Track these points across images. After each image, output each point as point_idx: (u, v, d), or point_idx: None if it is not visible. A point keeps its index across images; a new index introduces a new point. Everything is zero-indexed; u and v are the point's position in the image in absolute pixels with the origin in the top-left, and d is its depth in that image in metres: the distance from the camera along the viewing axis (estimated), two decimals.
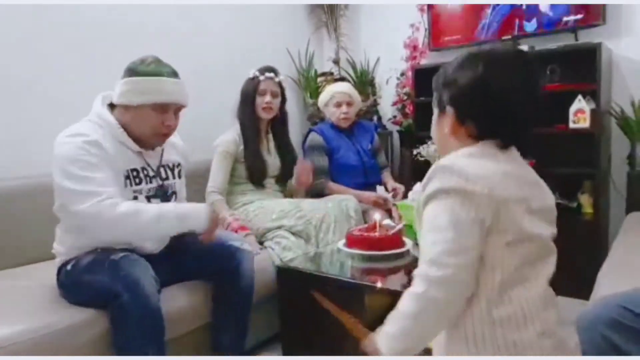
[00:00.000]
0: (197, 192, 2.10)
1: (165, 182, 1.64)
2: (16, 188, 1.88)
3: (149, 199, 1.57)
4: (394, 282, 1.66)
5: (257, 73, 2.28)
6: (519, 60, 0.93)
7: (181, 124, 1.63)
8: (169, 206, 1.54)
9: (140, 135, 1.54)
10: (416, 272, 0.86)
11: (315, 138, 2.61)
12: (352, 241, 1.84)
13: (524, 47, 2.61)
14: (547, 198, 0.95)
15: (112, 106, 1.56)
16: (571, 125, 2.44)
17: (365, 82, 3.29)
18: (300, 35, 3.36)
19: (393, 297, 1.59)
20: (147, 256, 1.51)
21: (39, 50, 2.08)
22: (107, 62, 2.26)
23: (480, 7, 2.80)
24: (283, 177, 2.41)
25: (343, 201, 2.28)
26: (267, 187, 2.35)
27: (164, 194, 1.62)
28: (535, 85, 0.93)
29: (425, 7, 3.05)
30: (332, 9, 3.40)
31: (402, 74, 3.20)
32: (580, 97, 2.41)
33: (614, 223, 2.60)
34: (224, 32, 2.87)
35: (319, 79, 3.31)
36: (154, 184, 1.60)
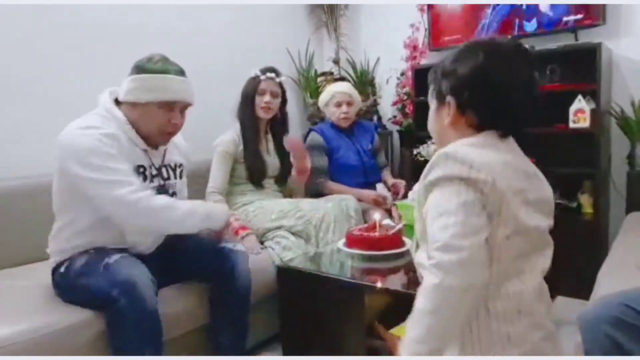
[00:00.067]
0: (197, 192, 2.10)
1: (167, 182, 1.64)
2: (16, 188, 1.88)
3: None
4: (393, 281, 1.66)
5: (259, 73, 2.28)
6: (518, 50, 0.94)
7: None
8: (198, 203, 1.61)
9: (146, 132, 1.54)
10: (427, 264, 0.83)
11: (315, 138, 2.61)
12: (352, 241, 1.84)
13: None
14: (544, 190, 0.95)
15: (117, 103, 1.56)
16: (571, 125, 2.44)
17: (365, 82, 3.29)
18: (300, 35, 3.36)
19: (393, 297, 1.60)
20: (139, 256, 1.51)
21: (39, 50, 2.08)
22: (107, 62, 2.26)
23: (480, 7, 2.80)
24: (282, 178, 2.41)
25: (343, 201, 2.28)
26: (267, 187, 2.34)
27: (164, 194, 1.62)
28: (533, 75, 0.94)
29: (425, 7, 3.04)
30: (332, 9, 3.40)
31: (402, 74, 3.20)
32: (580, 97, 2.41)
33: (614, 223, 2.60)
34: (224, 32, 2.87)
35: (319, 79, 3.31)
36: (156, 183, 1.60)
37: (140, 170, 1.55)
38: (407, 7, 3.18)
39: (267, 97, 2.25)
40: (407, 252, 1.79)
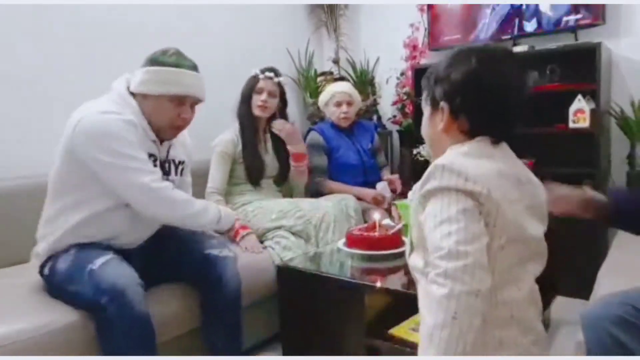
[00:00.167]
0: (197, 192, 2.10)
1: (168, 177, 1.64)
2: (16, 188, 1.88)
3: None
4: (393, 281, 1.66)
5: (258, 72, 2.29)
6: (509, 56, 0.97)
7: None
8: (210, 203, 1.70)
9: (156, 125, 1.54)
10: (432, 275, 0.81)
11: (314, 137, 2.61)
12: (352, 241, 1.84)
13: (524, 47, 2.62)
14: (538, 195, 0.96)
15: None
16: (571, 125, 2.44)
17: (365, 82, 3.29)
18: (300, 35, 3.36)
19: (393, 297, 1.60)
20: (122, 252, 1.50)
21: (39, 50, 2.08)
22: (107, 62, 2.26)
23: (480, 7, 2.80)
24: (281, 178, 2.41)
25: (342, 201, 2.28)
26: (265, 187, 2.34)
27: None
28: (524, 80, 0.95)
29: (425, 7, 3.04)
30: (332, 9, 3.40)
31: (402, 74, 3.20)
32: (580, 96, 2.41)
33: None
34: (224, 32, 2.87)
35: (319, 79, 3.31)
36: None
37: (152, 160, 1.55)
38: (407, 7, 3.18)
39: (263, 96, 2.25)
40: None
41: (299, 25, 3.39)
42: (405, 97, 3.15)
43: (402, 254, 1.78)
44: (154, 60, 1.51)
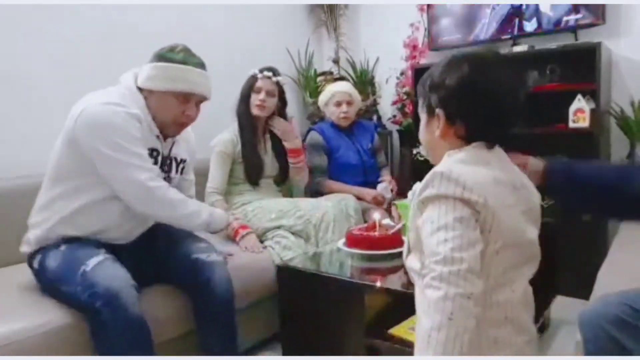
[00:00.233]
0: (196, 192, 2.10)
1: (169, 175, 1.64)
2: (16, 188, 1.88)
3: None
4: (393, 281, 1.66)
5: (256, 71, 2.29)
6: (502, 60, 0.98)
7: None
8: (202, 204, 1.68)
9: (160, 121, 1.54)
10: (427, 279, 0.84)
11: (314, 137, 2.61)
12: (351, 240, 1.84)
13: (524, 47, 2.62)
14: (531, 199, 0.98)
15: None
16: (571, 124, 2.44)
17: (365, 82, 3.29)
18: (300, 35, 3.36)
19: (392, 297, 1.60)
20: (112, 249, 1.49)
21: (39, 50, 2.08)
22: (107, 62, 2.26)
23: (480, 7, 2.80)
24: (281, 178, 2.41)
25: (342, 200, 2.28)
26: (265, 186, 2.34)
27: None
28: (519, 83, 0.97)
29: (425, 7, 3.04)
30: (332, 9, 3.40)
31: (402, 74, 3.20)
32: (580, 96, 2.41)
33: (614, 223, 2.60)
34: (224, 32, 2.87)
35: (319, 79, 3.31)
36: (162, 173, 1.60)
37: (154, 155, 1.55)
38: (407, 7, 3.18)
39: (262, 95, 2.25)
40: None
41: (298, 25, 3.39)
42: (405, 97, 3.15)
43: (401, 254, 1.78)
44: (162, 56, 1.51)
